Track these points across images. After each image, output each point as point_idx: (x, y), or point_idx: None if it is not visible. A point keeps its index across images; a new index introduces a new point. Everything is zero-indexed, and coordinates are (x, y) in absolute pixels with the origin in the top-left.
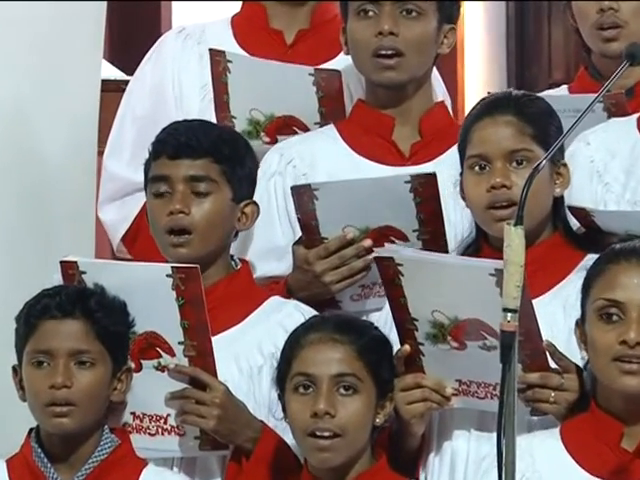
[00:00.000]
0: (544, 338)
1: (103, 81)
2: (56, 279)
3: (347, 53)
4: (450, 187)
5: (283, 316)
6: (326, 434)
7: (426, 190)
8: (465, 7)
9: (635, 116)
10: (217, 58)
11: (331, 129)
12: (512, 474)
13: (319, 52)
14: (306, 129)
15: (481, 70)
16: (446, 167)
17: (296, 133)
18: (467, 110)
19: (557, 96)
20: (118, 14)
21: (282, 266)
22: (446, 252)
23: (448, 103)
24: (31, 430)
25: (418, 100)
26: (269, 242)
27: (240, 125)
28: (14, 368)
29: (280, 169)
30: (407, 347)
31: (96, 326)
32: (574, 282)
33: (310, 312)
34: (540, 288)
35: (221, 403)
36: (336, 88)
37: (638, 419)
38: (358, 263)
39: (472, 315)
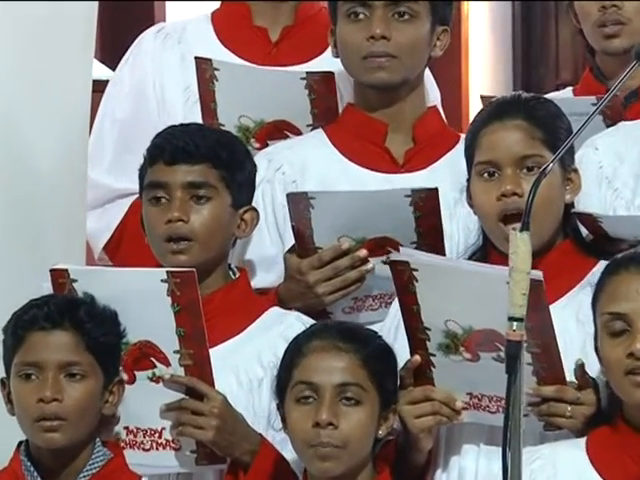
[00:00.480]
0: (576, 357)
1: (94, 81)
2: (46, 288)
3: (336, 55)
4: (446, 195)
5: (284, 327)
6: (328, 445)
7: (427, 205)
8: (469, 7)
9: None
10: (203, 66)
11: (320, 134)
12: None
13: (305, 49)
14: (298, 132)
15: (486, 71)
16: (440, 175)
17: (288, 137)
18: (472, 113)
19: (554, 99)
20: (109, 13)
21: (270, 277)
22: None
23: (438, 95)
24: (20, 443)
25: (411, 104)
26: (258, 252)
27: None
28: (2, 381)
29: (269, 176)
30: (417, 358)
31: (86, 337)
32: (586, 290)
33: (312, 323)
34: (552, 296)
35: (219, 413)
36: (329, 89)
37: None
38: (352, 274)
39: (487, 325)
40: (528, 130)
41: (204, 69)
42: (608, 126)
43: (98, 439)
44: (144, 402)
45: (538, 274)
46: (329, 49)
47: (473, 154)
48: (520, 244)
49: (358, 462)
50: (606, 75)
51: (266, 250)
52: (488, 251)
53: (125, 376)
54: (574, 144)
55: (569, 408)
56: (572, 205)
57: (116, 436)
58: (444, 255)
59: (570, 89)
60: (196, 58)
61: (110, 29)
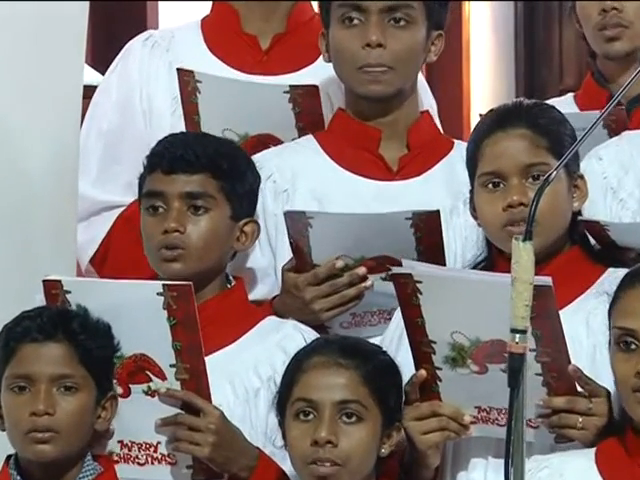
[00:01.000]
0: (586, 364)
1: (86, 87)
2: (38, 300)
3: (327, 60)
4: (440, 205)
5: (281, 337)
6: (327, 464)
7: (428, 226)
8: (471, 8)
9: None
10: (186, 78)
11: (311, 140)
12: None
13: (297, 57)
14: None
15: (488, 76)
16: (435, 183)
17: None
18: (473, 118)
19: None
20: (101, 17)
21: (262, 289)
22: None
23: (435, 111)
24: (9, 457)
25: (405, 111)
26: (248, 263)
27: None
28: None
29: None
30: (423, 372)
31: (79, 349)
32: (596, 297)
33: (310, 332)
34: (560, 302)
35: (216, 429)
36: (314, 103)
37: None
38: (350, 291)
39: (494, 335)
40: (532, 138)
41: (186, 81)
42: (609, 134)
43: (89, 453)
44: (139, 416)
45: (547, 280)
46: (321, 57)
47: (476, 165)
48: (523, 254)
49: None
50: (607, 79)
51: (257, 261)
52: (494, 261)
53: (120, 390)
54: (579, 153)
55: (580, 419)
56: (579, 212)
57: (109, 451)
58: None
59: (571, 95)
60: (178, 70)
61: (101, 34)
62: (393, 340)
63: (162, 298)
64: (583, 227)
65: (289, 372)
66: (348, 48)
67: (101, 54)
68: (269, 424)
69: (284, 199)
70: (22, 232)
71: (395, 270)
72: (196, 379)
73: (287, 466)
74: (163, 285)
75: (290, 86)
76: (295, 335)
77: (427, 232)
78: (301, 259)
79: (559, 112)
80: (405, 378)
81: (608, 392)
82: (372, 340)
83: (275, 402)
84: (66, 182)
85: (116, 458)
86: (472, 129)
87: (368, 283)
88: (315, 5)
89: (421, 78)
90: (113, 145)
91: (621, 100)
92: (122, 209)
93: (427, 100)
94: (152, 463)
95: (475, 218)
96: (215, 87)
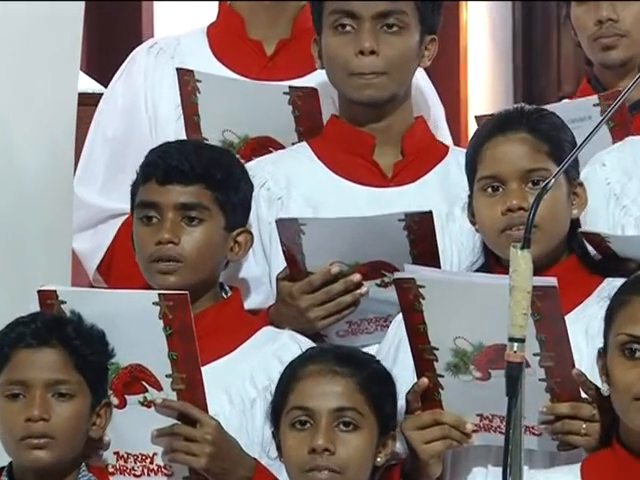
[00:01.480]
0: (587, 373)
1: (80, 94)
2: (33, 309)
3: (320, 67)
4: (435, 211)
5: (278, 347)
6: (324, 472)
7: (421, 228)
8: (468, 15)
9: None
10: (185, 78)
11: (305, 147)
12: None
13: (301, 63)
14: (283, 149)
15: (485, 83)
16: (430, 189)
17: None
18: (471, 126)
19: (551, 107)
20: (95, 17)
21: (256, 298)
22: None
23: (442, 113)
24: (1, 469)
25: (399, 117)
26: (242, 272)
27: None
28: None
29: (253, 193)
30: (425, 380)
31: (74, 355)
32: (595, 305)
33: (307, 342)
34: None
35: (213, 440)
36: (313, 106)
37: None
38: (346, 298)
39: (498, 340)
40: (533, 143)
41: (186, 80)
42: (611, 128)
43: (84, 464)
44: (135, 427)
45: (552, 280)
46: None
47: (475, 169)
48: (521, 262)
49: None
50: (605, 86)
51: (251, 270)
52: (491, 269)
53: (116, 400)
54: (578, 160)
55: (584, 425)
56: (578, 220)
57: (104, 462)
58: None
59: (567, 101)
60: (178, 69)
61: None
62: (390, 353)
63: (158, 308)
64: (583, 238)
65: (284, 381)
66: (341, 55)
67: (95, 57)
68: (265, 435)
69: (278, 207)
70: (16, 241)
71: (398, 275)
72: (192, 389)
73: (283, 477)
74: (159, 295)
75: (290, 87)
76: (291, 345)
77: (420, 234)
78: (295, 267)
79: (559, 118)
80: (404, 389)
81: (608, 397)
82: (367, 350)
83: (269, 412)
84: (61, 190)
85: (112, 470)
86: (472, 134)
87: (363, 290)
88: None
89: (426, 78)
90: (119, 152)
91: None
92: (127, 216)
93: (435, 108)
94: (148, 474)
95: (473, 223)
96: (215, 87)
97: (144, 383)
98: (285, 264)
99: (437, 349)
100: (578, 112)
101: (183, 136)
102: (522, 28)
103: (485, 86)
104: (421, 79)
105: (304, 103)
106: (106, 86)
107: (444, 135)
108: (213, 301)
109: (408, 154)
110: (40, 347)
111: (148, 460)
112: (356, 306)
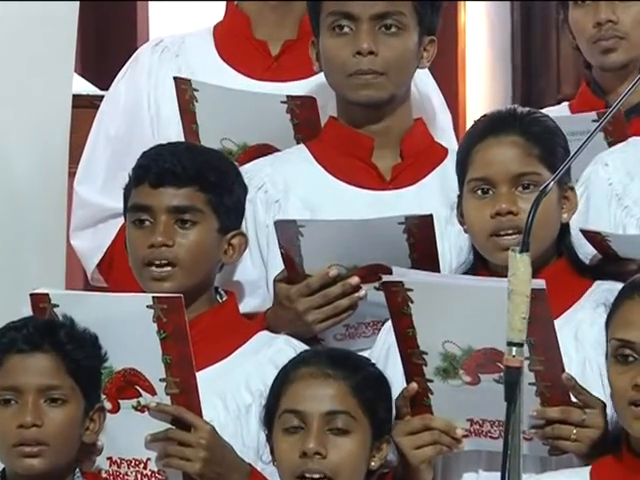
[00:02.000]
0: (576, 378)
1: (74, 96)
2: (25, 313)
3: (318, 69)
4: (435, 214)
5: (273, 352)
6: (316, 476)
7: (421, 232)
8: (466, 16)
9: None
10: (183, 87)
11: (302, 150)
12: None
13: (306, 64)
14: None
15: (484, 85)
16: (429, 192)
17: None
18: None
19: (554, 118)
20: (90, 22)
21: (253, 302)
22: None
23: (449, 120)
24: None
25: (397, 119)
26: (239, 276)
27: None
28: None
29: (250, 196)
30: (414, 385)
31: (67, 360)
32: (584, 309)
33: (302, 347)
34: None
35: (207, 444)
36: (312, 114)
37: None
38: (344, 302)
39: (487, 344)
40: (524, 147)
41: (183, 89)
42: (609, 143)
43: (78, 469)
44: (128, 432)
45: (541, 283)
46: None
47: (466, 170)
48: (520, 265)
49: None
50: (604, 89)
51: (248, 273)
52: (478, 271)
53: (109, 405)
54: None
55: (574, 431)
56: (567, 224)
57: (97, 468)
58: None
59: (566, 104)
60: (175, 78)
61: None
62: (379, 359)
63: (152, 311)
64: (571, 239)
65: (276, 384)
66: (339, 56)
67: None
68: (260, 440)
69: (276, 209)
70: (10, 244)
71: (385, 278)
72: (187, 393)
73: None
74: (153, 297)
75: (287, 96)
76: (287, 350)
77: (420, 237)
78: (293, 270)
79: (553, 121)
80: (394, 394)
81: (604, 404)
82: (366, 352)
83: (263, 416)
84: (55, 193)
85: (105, 475)
86: (464, 133)
87: (361, 293)
88: None
89: (431, 78)
90: (120, 151)
91: (619, 109)
92: None
93: (441, 114)
94: None
95: (462, 224)
96: (212, 96)
97: (138, 387)
98: (283, 267)
99: (426, 353)
100: (577, 126)
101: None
102: (521, 29)
103: (484, 87)
104: (430, 85)
105: (302, 112)
106: (101, 88)
107: (450, 142)
108: (208, 305)
109: (407, 157)
110: (32, 352)
111: (142, 465)
112: (354, 309)
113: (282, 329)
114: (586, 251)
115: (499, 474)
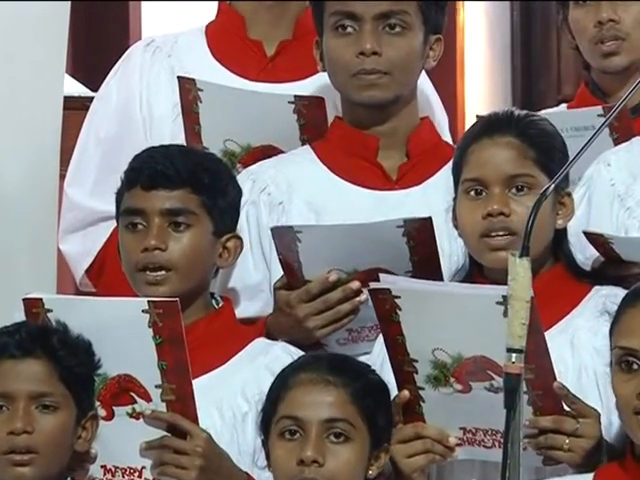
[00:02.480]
0: (572, 386)
1: (65, 98)
2: (18, 318)
3: (322, 70)
4: (443, 213)
5: (270, 359)
6: None
7: (420, 235)
8: (465, 17)
9: None
10: (187, 86)
11: (307, 151)
12: None
13: (303, 65)
14: None
15: (483, 86)
16: (436, 191)
17: None
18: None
19: (554, 113)
20: (81, 25)
21: (255, 306)
22: None
23: (445, 121)
24: None
25: (403, 119)
26: (240, 279)
27: None
28: None
29: (253, 198)
30: (406, 393)
31: (59, 366)
32: (582, 316)
33: (300, 354)
34: (545, 323)
35: (203, 452)
36: (319, 115)
37: None
38: (345, 307)
39: (477, 351)
40: (520, 148)
41: (187, 89)
42: (615, 140)
43: (69, 478)
44: (123, 439)
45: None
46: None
47: (461, 171)
48: (519, 270)
49: None
50: (604, 91)
51: (250, 277)
52: (473, 278)
53: (103, 412)
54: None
55: (567, 441)
56: (564, 229)
57: (91, 476)
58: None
59: (564, 106)
60: (179, 78)
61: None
62: (376, 366)
63: (147, 316)
64: (569, 244)
65: (274, 389)
66: (342, 57)
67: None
68: (257, 448)
69: (279, 212)
70: (1, 248)
71: (373, 286)
72: (182, 400)
73: None
74: (148, 302)
75: (295, 96)
76: (284, 357)
77: (420, 241)
78: (292, 275)
79: (551, 125)
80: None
81: (598, 413)
82: (364, 357)
83: (259, 421)
84: (46, 196)
85: None
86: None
87: (363, 297)
88: None
89: (428, 81)
90: (111, 153)
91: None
92: None
93: (438, 115)
94: None
95: (457, 227)
96: (217, 96)
97: (133, 394)
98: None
99: (416, 361)
100: (582, 121)
101: (179, 137)
102: (520, 28)
103: (482, 88)
104: (425, 85)
105: (309, 112)
106: (93, 89)
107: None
108: (204, 311)
109: (413, 156)
110: (24, 358)
111: (136, 474)
112: (355, 314)
113: (283, 335)
114: (586, 254)
115: None
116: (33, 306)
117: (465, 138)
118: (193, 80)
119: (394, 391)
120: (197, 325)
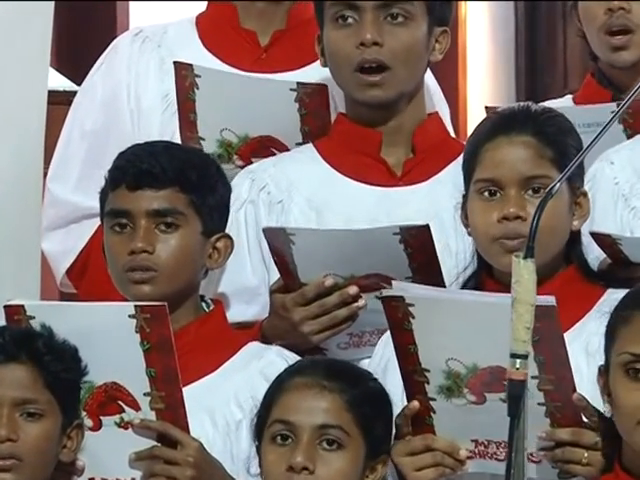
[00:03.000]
0: (589, 395)
1: (50, 92)
2: None
3: (324, 65)
4: (450, 210)
5: (264, 364)
6: None
7: (418, 242)
8: (467, 9)
9: None
10: (183, 72)
11: (310, 149)
12: None
13: (297, 55)
14: (286, 150)
15: (486, 80)
16: (442, 188)
17: (274, 155)
18: (469, 126)
19: (567, 108)
20: (67, 15)
21: (252, 310)
22: None
23: (447, 112)
24: None
25: (409, 114)
26: (237, 281)
27: (209, 147)
28: None
29: (252, 197)
30: (416, 403)
31: (45, 372)
32: (595, 321)
33: (295, 359)
34: None
35: (195, 462)
36: (321, 104)
37: None
38: (342, 312)
39: (493, 361)
40: (537, 148)
41: (184, 75)
42: (629, 136)
43: None
44: (111, 450)
45: (550, 299)
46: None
47: (473, 169)
48: (524, 272)
49: None
50: (611, 81)
51: (247, 280)
52: (482, 279)
53: (90, 422)
54: (584, 167)
55: (586, 454)
56: (578, 231)
57: None
58: (443, 286)
59: (570, 97)
60: (175, 63)
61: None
62: (377, 374)
63: (134, 321)
64: (582, 246)
65: (269, 393)
66: (342, 49)
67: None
68: (251, 457)
69: (279, 211)
70: None
71: (385, 293)
72: (172, 408)
73: None
74: (135, 307)
75: (298, 83)
76: (278, 362)
77: (418, 248)
78: (288, 278)
79: (568, 121)
80: (394, 411)
81: (612, 423)
82: (364, 361)
83: (253, 425)
84: (29, 194)
85: None
86: (474, 127)
87: (361, 303)
88: None
89: (430, 75)
90: (97, 147)
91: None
92: None
93: (440, 107)
94: None
95: (466, 226)
96: (215, 82)
97: (120, 403)
98: None
99: (428, 371)
100: (595, 117)
101: (168, 130)
102: (525, 24)
103: (485, 82)
104: (428, 77)
105: (312, 101)
106: (78, 83)
107: None
108: (193, 314)
109: (419, 151)
110: (7, 363)
111: None
112: (353, 320)
113: (279, 340)
114: (591, 255)
115: None
116: (15, 313)
117: (478, 134)
118: (190, 65)
119: (402, 400)
120: (187, 330)
